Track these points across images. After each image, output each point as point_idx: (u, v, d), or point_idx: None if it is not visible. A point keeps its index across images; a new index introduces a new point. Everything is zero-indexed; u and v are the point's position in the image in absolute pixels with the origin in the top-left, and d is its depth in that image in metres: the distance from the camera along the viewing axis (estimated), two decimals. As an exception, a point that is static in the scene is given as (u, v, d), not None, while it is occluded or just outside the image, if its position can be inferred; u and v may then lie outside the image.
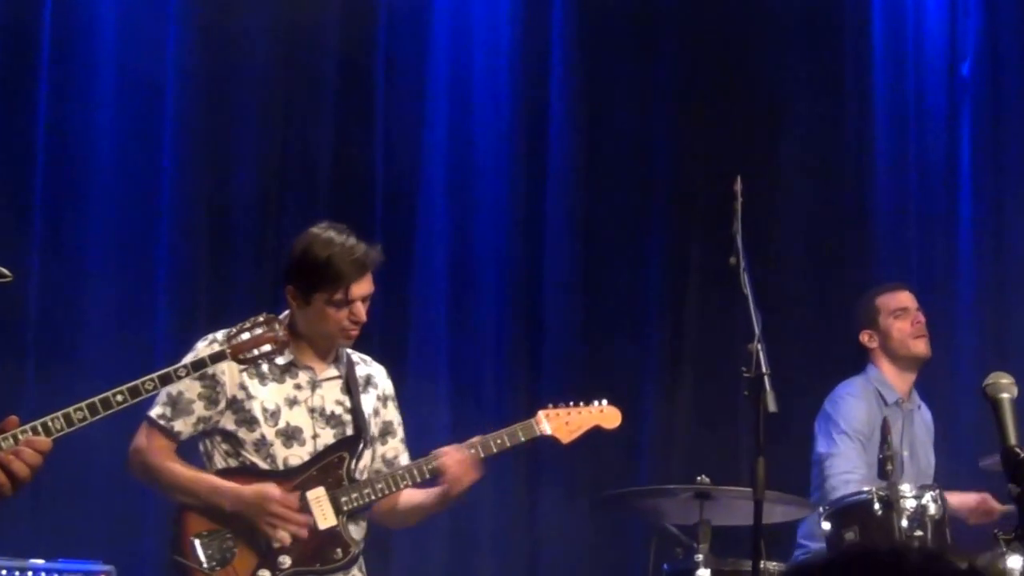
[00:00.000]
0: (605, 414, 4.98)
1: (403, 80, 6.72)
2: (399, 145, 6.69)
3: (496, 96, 6.87)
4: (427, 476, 4.70)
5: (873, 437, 6.02)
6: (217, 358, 4.15)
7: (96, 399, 3.92)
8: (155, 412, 4.60)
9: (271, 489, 4.53)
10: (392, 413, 4.85)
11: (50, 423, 3.80)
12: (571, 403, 4.93)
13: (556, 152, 6.96)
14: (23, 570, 5.20)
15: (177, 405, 4.58)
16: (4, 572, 5.19)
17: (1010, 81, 7.41)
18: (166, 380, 4.00)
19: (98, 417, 3.97)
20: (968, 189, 7.40)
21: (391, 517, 4.90)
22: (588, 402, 4.96)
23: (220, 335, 4.47)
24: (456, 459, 4.69)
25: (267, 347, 4.19)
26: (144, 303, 6.27)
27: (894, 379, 6.26)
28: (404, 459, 4.83)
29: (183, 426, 4.59)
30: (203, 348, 4.49)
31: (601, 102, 6.98)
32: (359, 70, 6.65)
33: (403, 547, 6.41)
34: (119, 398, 3.94)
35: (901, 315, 6.24)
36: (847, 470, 6.00)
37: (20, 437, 3.56)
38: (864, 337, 6.29)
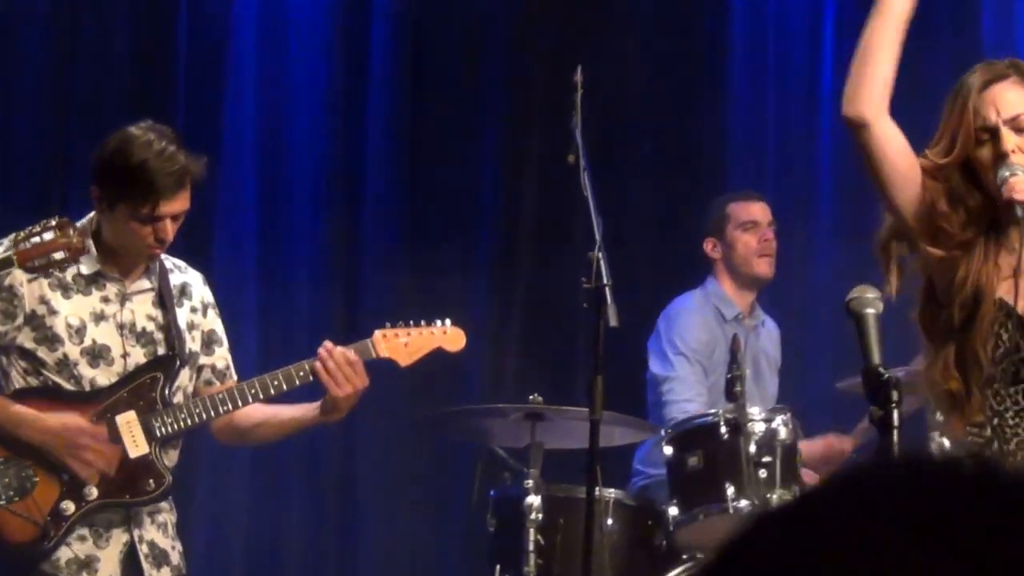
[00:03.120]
0: (448, 335, 4.92)
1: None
2: (204, 38, 6.55)
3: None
4: (289, 386, 4.57)
5: (713, 357, 6.00)
6: (2, 265, 4.07)
7: None
8: None
9: (79, 421, 4.41)
10: (214, 321, 4.73)
11: None
12: (411, 323, 4.84)
13: (378, 43, 6.85)
14: None
15: None
16: None
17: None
18: None
19: None
20: (829, 96, 7.21)
21: (235, 436, 4.80)
22: (429, 322, 4.88)
23: (6, 241, 4.32)
24: (337, 361, 4.53)
25: (59, 254, 4.06)
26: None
27: (733, 295, 6.19)
28: (233, 374, 4.74)
29: None
30: None
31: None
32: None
33: (208, 471, 6.33)
34: None
35: (750, 228, 6.12)
36: (687, 398, 5.98)
37: None
38: (708, 245, 6.19)
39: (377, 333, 4.74)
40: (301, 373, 4.56)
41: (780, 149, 7.11)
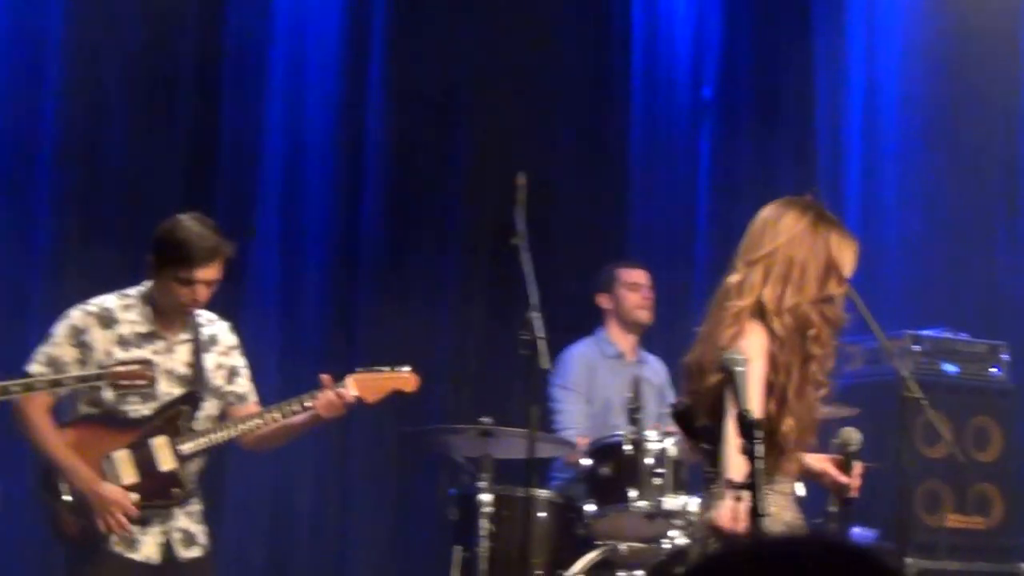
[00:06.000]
0: (406, 379, 5.17)
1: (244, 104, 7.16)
2: (240, 152, 7.15)
3: (326, 111, 7.33)
4: (293, 413, 4.97)
5: (594, 383, 6.52)
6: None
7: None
8: (35, 371, 4.85)
9: (117, 495, 4.80)
10: (236, 359, 5.12)
11: None
12: (378, 368, 5.11)
13: (371, 152, 7.39)
14: None
15: (55, 366, 4.86)
16: None
17: (743, 103, 8.09)
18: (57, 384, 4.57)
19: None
20: (706, 190, 8.04)
21: (258, 445, 5.18)
22: (394, 367, 5.14)
23: (93, 303, 4.90)
24: (328, 399, 4.98)
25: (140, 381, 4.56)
26: (18, 279, 6.46)
27: (617, 338, 6.75)
28: (253, 396, 5.10)
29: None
30: (76, 315, 4.93)
31: (409, 128, 7.43)
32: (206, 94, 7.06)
33: (236, 482, 6.76)
34: (15, 388, 4.44)
35: (633, 288, 6.81)
36: (568, 426, 6.45)
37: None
38: (601, 300, 6.82)
39: (349, 377, 5.00)
40: (307, 403, 4.96)
41: (666, 242, 7.76)
